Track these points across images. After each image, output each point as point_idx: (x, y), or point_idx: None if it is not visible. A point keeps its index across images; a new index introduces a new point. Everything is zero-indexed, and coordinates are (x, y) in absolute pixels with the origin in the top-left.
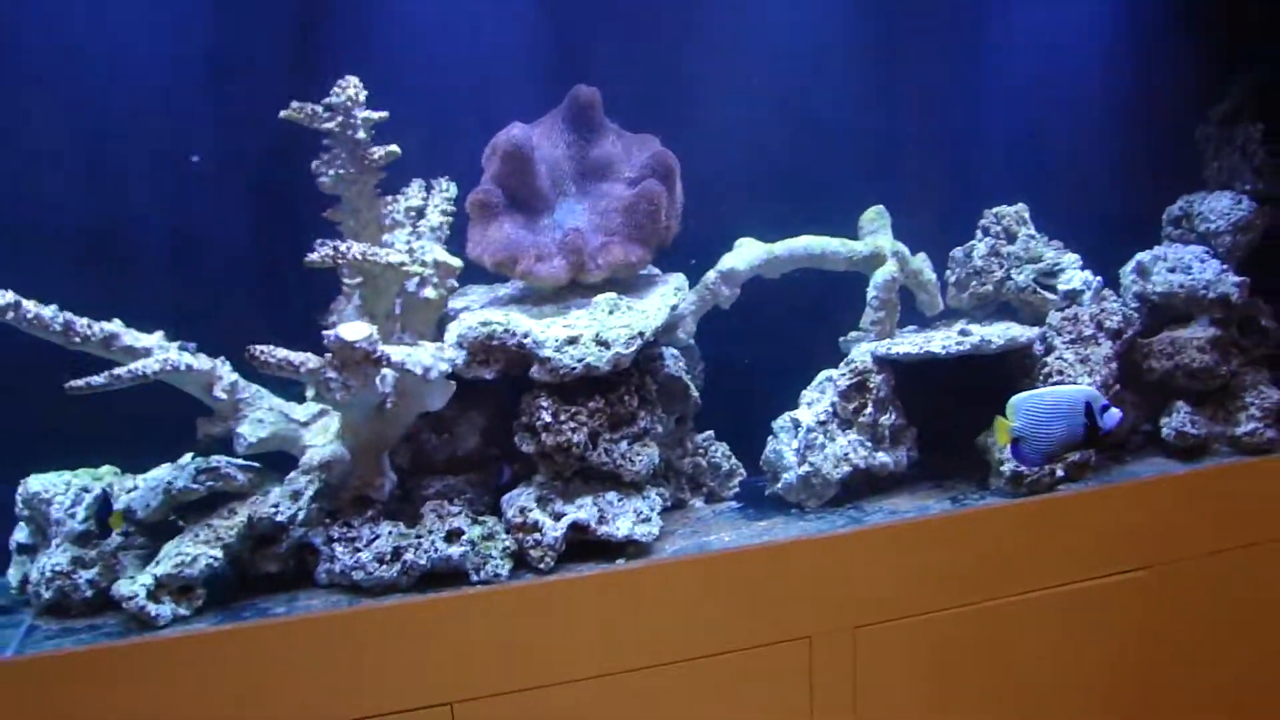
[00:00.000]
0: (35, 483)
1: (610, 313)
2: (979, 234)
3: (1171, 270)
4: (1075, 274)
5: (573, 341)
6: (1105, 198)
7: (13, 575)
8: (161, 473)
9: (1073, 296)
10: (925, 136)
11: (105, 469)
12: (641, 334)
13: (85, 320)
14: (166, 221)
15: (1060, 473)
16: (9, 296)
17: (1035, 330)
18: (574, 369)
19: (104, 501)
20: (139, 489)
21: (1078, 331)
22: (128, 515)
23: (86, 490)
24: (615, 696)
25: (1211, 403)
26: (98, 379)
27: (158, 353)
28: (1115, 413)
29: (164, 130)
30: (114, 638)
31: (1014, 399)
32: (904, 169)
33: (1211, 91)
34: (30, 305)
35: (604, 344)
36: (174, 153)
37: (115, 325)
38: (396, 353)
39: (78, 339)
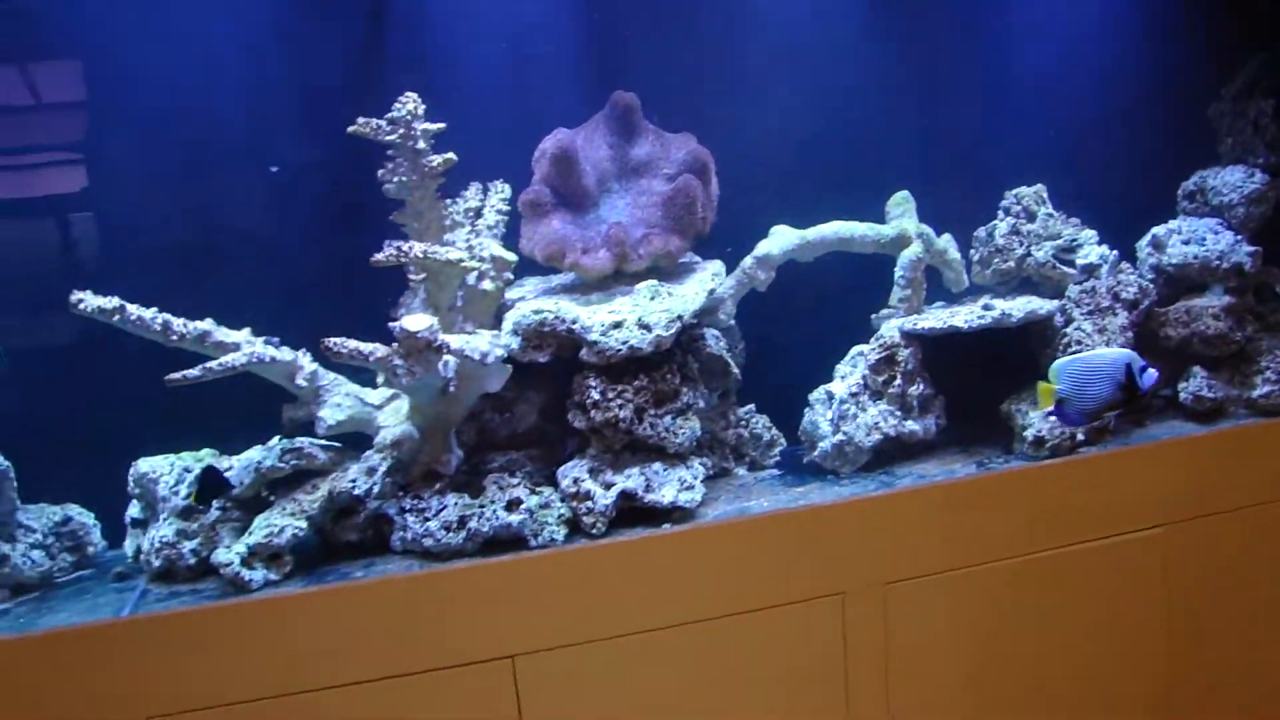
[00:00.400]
0: (144, 464)
1: (651, 298)
2: (1000, 214)
3: (1186, 242)
4: (1093, 249)
5: (617, 326)
6: (1121, 175)
7: (128, 546)
8: (252, 454)
9: (1090, 270)
10: (947, 124)
11: (205, 451)
12: (680, 317)
13: (181, 320)
14: (252, 230)
15: (1081, 436)
16: (114, 301)
17: (1055, 303)
18: (619, 350)
19: (208, 475)
20: (234, 468)
21: (1095, 303)
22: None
23: (188, 470)
24: (662, 650)
25: (1228, 367)
26: (193, 371)
27: (245, 347)
28: (1153, 373)
29: (247, 147)
30: (214, 599)
31: (1056, 363)
32: (928, 156)
33: (1224, 69)
34: (133, 308)
35: (646, 327)
36: (257, 168)
37: (208, 324)
38: (456, 341)
39: (175, 337)
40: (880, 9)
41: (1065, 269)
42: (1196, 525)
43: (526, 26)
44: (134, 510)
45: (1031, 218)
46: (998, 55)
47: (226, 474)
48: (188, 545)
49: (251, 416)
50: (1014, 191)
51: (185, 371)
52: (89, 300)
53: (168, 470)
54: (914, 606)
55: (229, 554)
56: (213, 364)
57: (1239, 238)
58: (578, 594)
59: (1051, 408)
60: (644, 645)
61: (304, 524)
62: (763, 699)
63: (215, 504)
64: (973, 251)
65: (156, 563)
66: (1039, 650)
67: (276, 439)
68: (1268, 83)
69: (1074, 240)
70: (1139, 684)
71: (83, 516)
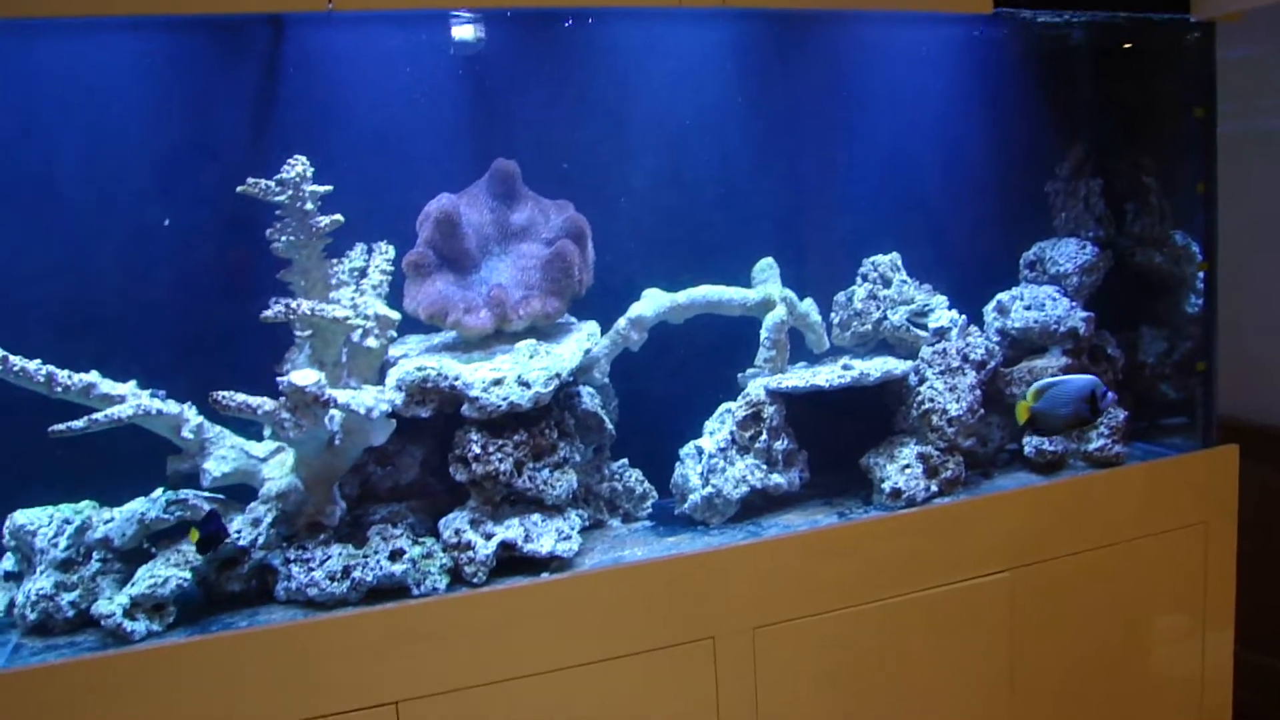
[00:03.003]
0: (21, 516)
1: (531, 357)
2: (859, 280)
3: (1028, 308)
4: (943, 313)
5: (498, 383)
6: (968, 246)
7: (0, 600)
8: (136, 505)
9: (941, 333)
10: (808, 196)
11: (85, 503)
12: (559, 375)
13: (66, 371)
14: (138, 286)
15: (935, 488)
16: None
17: (909, 363)
18: (500, 406)
19: (209, 522)
20: (115, 520)
21: (946, 364)
22: (106, 543)
23: (68, 522)
24: (541, 694)
25: None
26: (78, 423)
27: (131, 399)
28: (1111, 396)
29: (137, 208)
30: (93, 652)
31: (1036, 384)
32: (791, 225)
33: (1057, 152)
34: (16, 359)
35: (525, 384)
36: (147, 226)
37: (93, 376)
38: (342, 395)
39: (59, 388)
40: (748, 90)
41: (919, 332)
42: (1039, 569)
43: (411, 96)
44: (7, 564)
45: (887, 284)
46: (857, 135)
47: (107, 525)
48: (67, 597)
49: (135, 468)
50: (871, 259)
51: (70, 423)
52: None
53: (46, 522)
54: (781, 649)
55: (111, 605)
56: (98, 415)
57: (1074, 304)
58: (460, 641)
59: (1026, 419)
60: (524, 690)
61: (188, 574)
62: None
63: (95, 556)
64: (833, 315)
65: (32, 616)
66: (897, 688)
67: (160, 490)
68: (1094, 165)
69: (926, 305)
70: (986, 716)
71: None
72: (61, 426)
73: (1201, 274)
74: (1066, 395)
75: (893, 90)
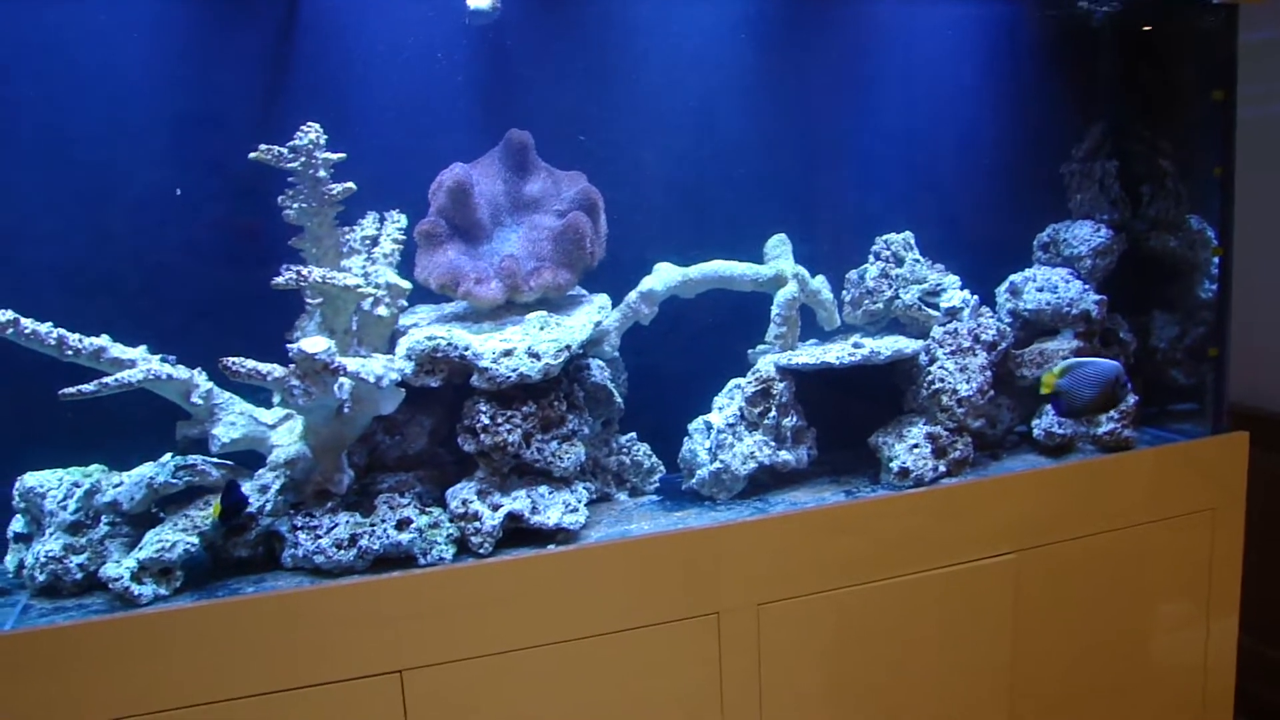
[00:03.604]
0: (31, 479)
1: (541, 329)
2: (871, 258)
3: (1040, 290)
4: (955, 293)
5: (508, 354)
6: (982, 226)
7: (9, 561)
8: (145, 470)
9: (953, 313)
10: (823, 173)
11: (94, 466)
12: (568, 347)
13: (77, 335)
14: (153, 251)
15: (943, 468)
16: (8, 314)
17: (920, 343)
18: (509, 377)
19: (231, 492)
20: (124, 484)
21: (957, 344)
22: (114, 507)
23: (77, 485)
24: (545, 666)
25: None
26: (88, 386)
27: (141, 364)
28: (1129, 385)
29: (152, 172)
30: (100, 614)
31: (1064, 360)
32: (804, 202)
33: (1074, 133)
34: (27, 322)
35: (535, 356)
36: (162, 192)
37: (103, 340)
38: (352, 364)
39: (70, 351)
40: (765, 64)
41: (930, 311)
42: (1045, 552)
43: (426, 65)
44: (17, 525)
45: (900, 263)
46: (872, 112)
47: (116, 489)
48: (75, 560)
49: (144, 433)
50: (884, 238)
51: (80, 386)
52: None
53: (56, 485)
54: (785, 626)
55: (119, 568)
56: (108, 379)
57: (1087, 286)
58: (465, 611)
59: (1050, 391)
60: (528, 661)
61: (196, 539)
62: (642, 715)
63: (104, 519)
64: (844, 293)
65: (41, 578)
66: (900, 667)
67: (169, 456)
68: (1111, 147)
69: (938, 285)
70: (988, 697)
71: None
72: (72, 390)
73: (1216, 259)
74: (1093, 377)
75: (909, 68)
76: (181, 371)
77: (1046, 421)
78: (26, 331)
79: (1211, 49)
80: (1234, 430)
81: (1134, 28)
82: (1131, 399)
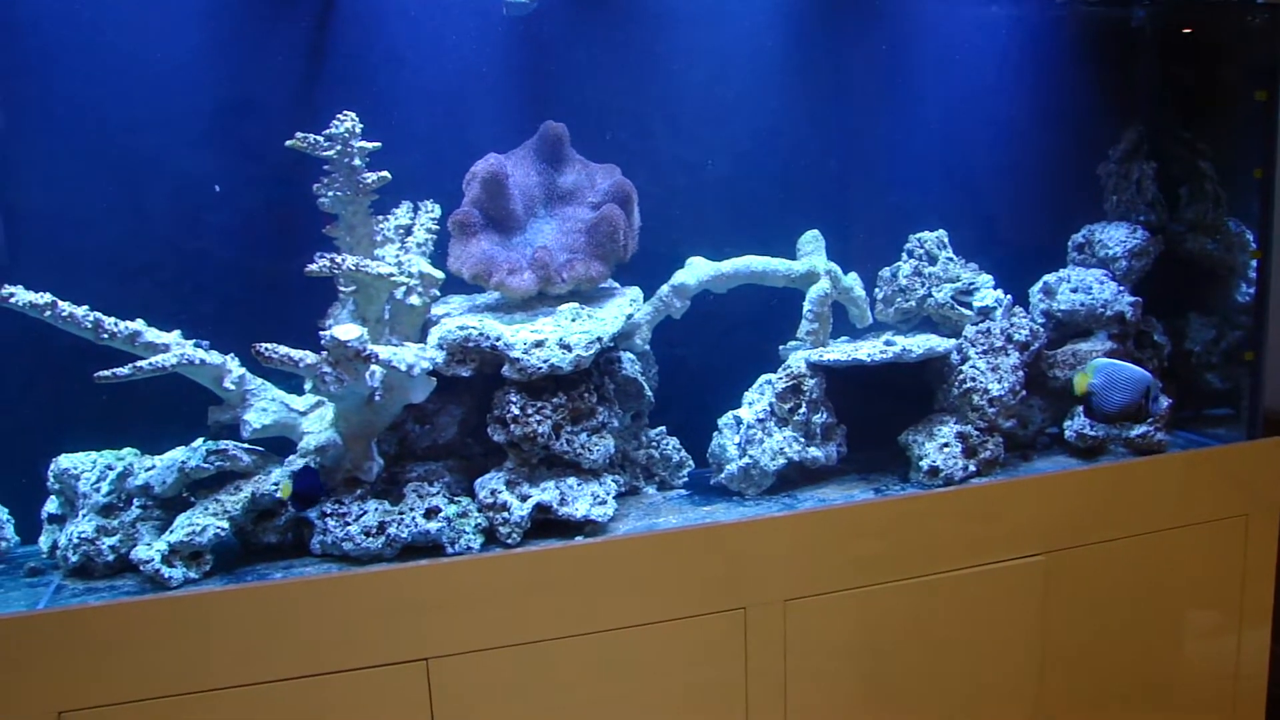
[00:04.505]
0: (65, 461)
1: (573, 320)
2: (904, 256)
3: (1074, 290)
4: (988, 292)
5: (539, 345)
6: (1017, 226)
7: (43, 542)
8: (176, 454)
9: (986, 312)
10: (857, 169)
11: (127, 450)
12: (600, 339)
13: (112, 319)
14: (189, 237)
15: (973, 468)
16: (46, 297)
17: (952, 341)
18: (540, 369)
19: (303, 475)
20: (157, 468)
21: (990, 343)
22: (146, 490)
23: (110, 468)
24: (571, 657)
25: None
26: (123, 370)
27: (175, 348)
28: (1165, 401)
29: (188, 159)
30: (131, 596)
31: (1097, 360)
32: (838, 198)
33: (1111, 134)
34: (64, 305)
35: (566, 347)
36: (198, 179)
37: (138, 324)
38: (384, 351)
39: (106, 335)
40: (801, 60)
41: (963, 310)
42: (1075, 554)
43: (462, 55)
44: (51, 506)
45: (933, 261)
46: (907, 110)
47: (148, 472)
48: (107, 542)
49: (177, 417)
50: (917, 235)
51: (115, 369)
52: (20, 295)
53: (89, 467)
54: (812, 623)
55: (149, 551)
56: (142, 363)
57: (1122, 288)
58: (492, 601)
59: (1082, 393)
60: (553, 652)
61: (226, 524)
62: (666, 708)
63: (136, 502)
64: (877, 290)
65: (74, 558)
66: (926, 667)
67: (200, 440)
68: (1148, 148)
69: (972, 284)
70: (1014, 698)
71: None
72: (106, 373)
73: (1254, 262)
74: (1124, 381)
75: (946, 66)
76: (214, 357)
77: (1078, 423)
78: (64, 314)
79: (1255, 49)
80: (1269, 435)
81: (1174, 28)
82: (1165, 402)
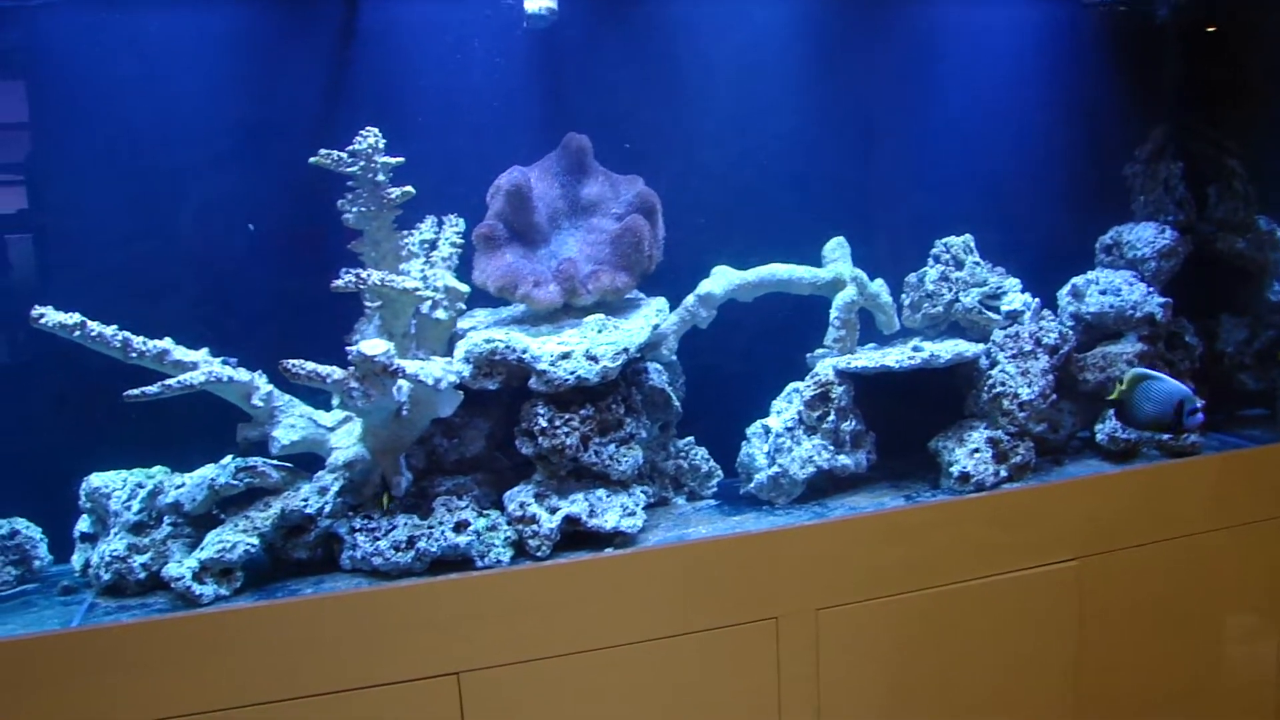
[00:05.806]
0: (96, 479)
1: (599, 332)
2: (930, 261)
3: (1103, 292)
4: (1016, 296)
5: (566, 357)
6: (1044, 228)
7: (76, 560)
8: (206, 471)
9: (1014, 316)
10: (881, 175)
11: (157, 468)
12: (626, 350)
13: (141, 338)
14: (215, 255)
15: (1004, 473)
16: (75, 317)
17: (980, 346)
18: (567, 380)
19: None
20: (186, 485)
21: (1019, 348)
22: (177, 507)
23: (140, 486)
24: (602, 669)
25: None
26: (151, 388)
27: (203, 366)
28: (1199, 416)
29: (215, 177)
30: (163, 614)
31: (1136, 369)
32: (863, 204)
33: (1138, 134)
34: (93, 324)
35: (593, 359)
36: (224, 197)
37: (166, 342)
38: (411, 366)
39: (134, 354)
40: (823, 66)
41: (990, 315)
42: (1109, 559)
43: (484, 69)
44: (83, 525)
45: (960, 266)
46: (931, 113)
47: (178, 490)
48: (138, 559)
49: (206, 435)
50: (943, 240)
51: (144, 388)
52: (50, 315)
53: (120, 486)
54: (844, 632)
55: (180, 568)
56: (171, 381)
57: (1151, 289)
58: (522, 614)
59: (1114, 398)
60: (585, 665)
61: (256, 540)
62: (699, 719)
63: (166, 520)
64: (903, 296)
65: (106, 576)
66: (960, 675)
67: (229, 457)
68: (1176, 148)
69: (999, 288)
70: (1050, 706)
71: (29, 530)
72: (136, 391)
73: None
74: (1157, 393)
75: (969, 68)
76: (242, 374)
77: (1110, 426)
78: (93, 334)
79: None
80: None
81: (1199, 25)
82: (1200, 417)
